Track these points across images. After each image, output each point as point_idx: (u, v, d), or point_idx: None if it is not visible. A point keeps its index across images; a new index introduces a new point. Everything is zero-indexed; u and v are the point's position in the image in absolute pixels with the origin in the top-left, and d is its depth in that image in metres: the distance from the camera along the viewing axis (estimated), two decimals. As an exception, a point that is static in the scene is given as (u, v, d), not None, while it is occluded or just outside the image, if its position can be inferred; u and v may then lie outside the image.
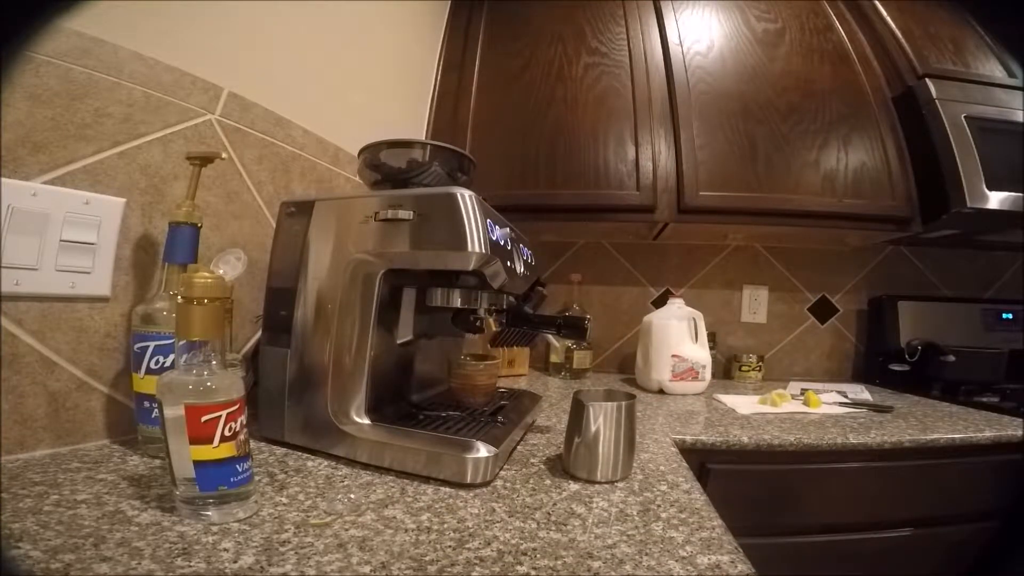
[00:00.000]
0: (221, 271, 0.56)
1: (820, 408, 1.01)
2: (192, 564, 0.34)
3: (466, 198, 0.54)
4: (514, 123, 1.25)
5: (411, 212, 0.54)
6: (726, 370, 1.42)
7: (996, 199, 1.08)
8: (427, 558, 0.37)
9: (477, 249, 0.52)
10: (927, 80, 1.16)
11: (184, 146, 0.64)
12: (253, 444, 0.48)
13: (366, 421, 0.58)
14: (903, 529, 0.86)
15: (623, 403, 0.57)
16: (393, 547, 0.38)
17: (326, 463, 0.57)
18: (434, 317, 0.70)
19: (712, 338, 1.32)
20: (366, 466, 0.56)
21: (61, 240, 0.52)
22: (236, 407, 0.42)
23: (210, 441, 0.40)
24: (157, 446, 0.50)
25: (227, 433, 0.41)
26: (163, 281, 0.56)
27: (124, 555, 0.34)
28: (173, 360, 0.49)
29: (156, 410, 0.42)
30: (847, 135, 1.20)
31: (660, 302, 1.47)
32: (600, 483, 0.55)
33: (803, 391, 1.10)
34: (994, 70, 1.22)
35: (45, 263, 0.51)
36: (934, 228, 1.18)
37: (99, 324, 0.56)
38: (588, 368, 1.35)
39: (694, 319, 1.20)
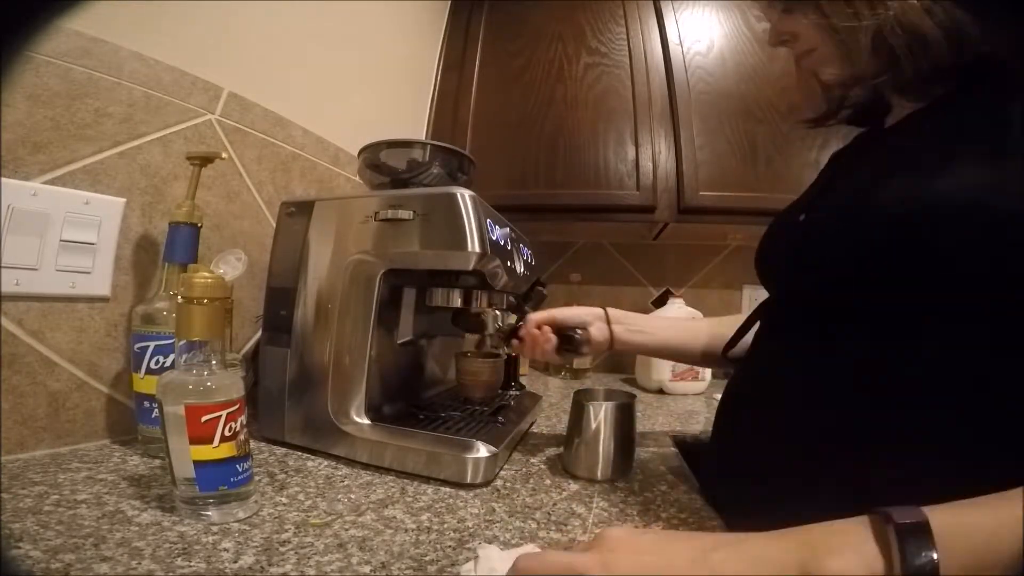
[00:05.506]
0: (221, 271, 0.56)
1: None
2: (192, 564, 0.34)
3: (466, 198, 0.54)
4: (514, 123, 1.25)
5: (411, 212, 0.54)
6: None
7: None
8: (427, 558, 0.37)
9: (477, 249, 0.52)
10: (927, 80, 1.16)
11: (184, 146, 0.64)
12: (253, 444, 0.48)
13: (366, 421, 0.58)
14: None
15: (623, 403, 0.58)
16: (393, 547, 0.38)
17: (326, 463, 0.57)
18: (434, 317, 0.70)
19: (712, 338, 1.32)
20: (366, 466, 0.56)
21: (61, 240, 0.52)
22: (236, 407, 0.42)
23: (210, 441, 0.40)
24: (157, 446, 0.50)
25: (227, 433, 0.41)
26: (163, 281, 0.56)
27: (124, 555, 0.34)
28: (173, 360, 0.49)
29: (156, 410, 0.42)
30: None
31: (660, 302, 1.46)
32: (600, 483, 0.55)
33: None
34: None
35: (45, 263, 0.51)
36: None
37: (99, 324, 0.56)
38: (588, 368, 1.35)
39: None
